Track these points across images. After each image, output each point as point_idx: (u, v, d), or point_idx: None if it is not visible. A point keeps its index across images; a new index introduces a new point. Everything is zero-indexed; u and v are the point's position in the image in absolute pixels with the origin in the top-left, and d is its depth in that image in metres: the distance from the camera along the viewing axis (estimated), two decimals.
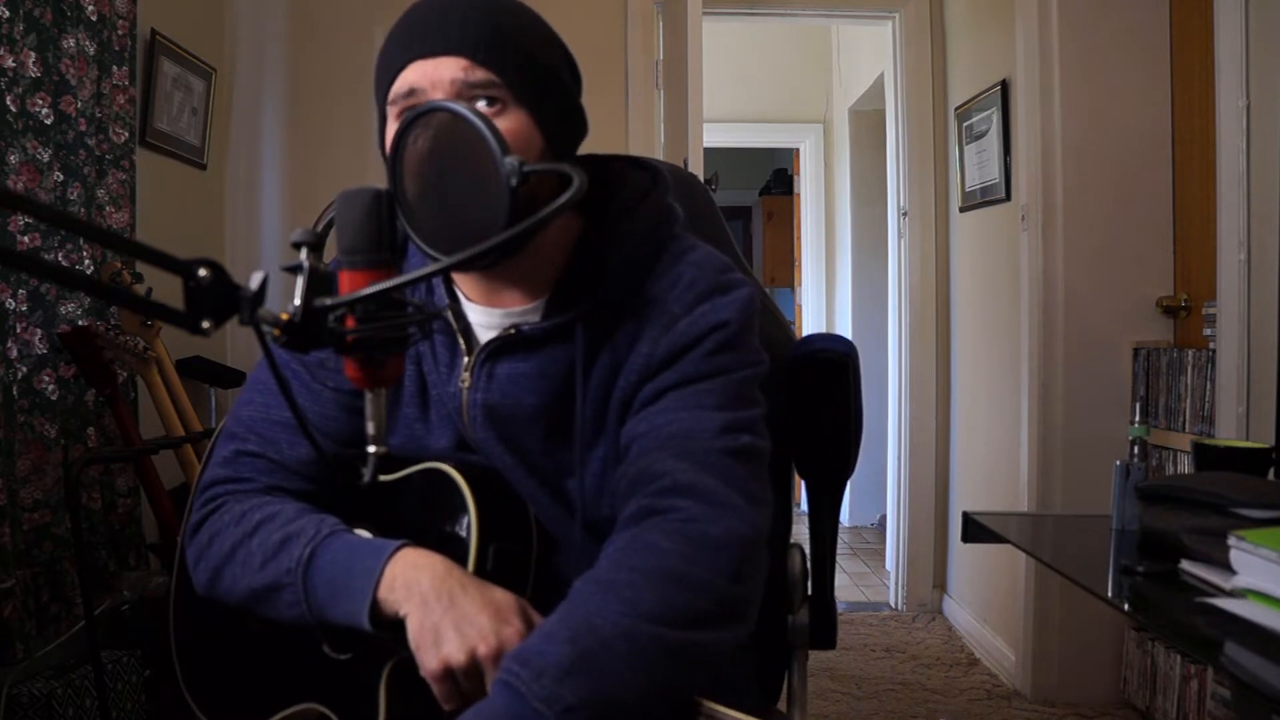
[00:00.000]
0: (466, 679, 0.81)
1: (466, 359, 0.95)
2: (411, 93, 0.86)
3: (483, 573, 0.87)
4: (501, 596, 0.84)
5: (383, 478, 0.96)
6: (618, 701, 0.73)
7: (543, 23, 0.94)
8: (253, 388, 1.01)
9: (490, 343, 0.94)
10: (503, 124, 0.85)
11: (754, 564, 0.84)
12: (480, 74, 0.85)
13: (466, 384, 0.95)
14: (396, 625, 0.83)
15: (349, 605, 0.84)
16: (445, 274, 0.97)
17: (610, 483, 0.93)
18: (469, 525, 0.89)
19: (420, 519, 0.93)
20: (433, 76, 0.85)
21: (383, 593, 0.83)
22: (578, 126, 0.95)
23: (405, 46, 0.87)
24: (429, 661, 0.81)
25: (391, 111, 0.89)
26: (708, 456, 0.86)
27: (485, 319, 0.95)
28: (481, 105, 0.86)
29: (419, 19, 0.88)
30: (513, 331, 0.92)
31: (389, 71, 0.88)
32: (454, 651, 0.80)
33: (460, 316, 0.97)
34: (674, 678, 0.77)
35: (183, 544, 1.01)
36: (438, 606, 0.81)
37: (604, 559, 0.83)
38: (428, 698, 0.83)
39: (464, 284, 0.97)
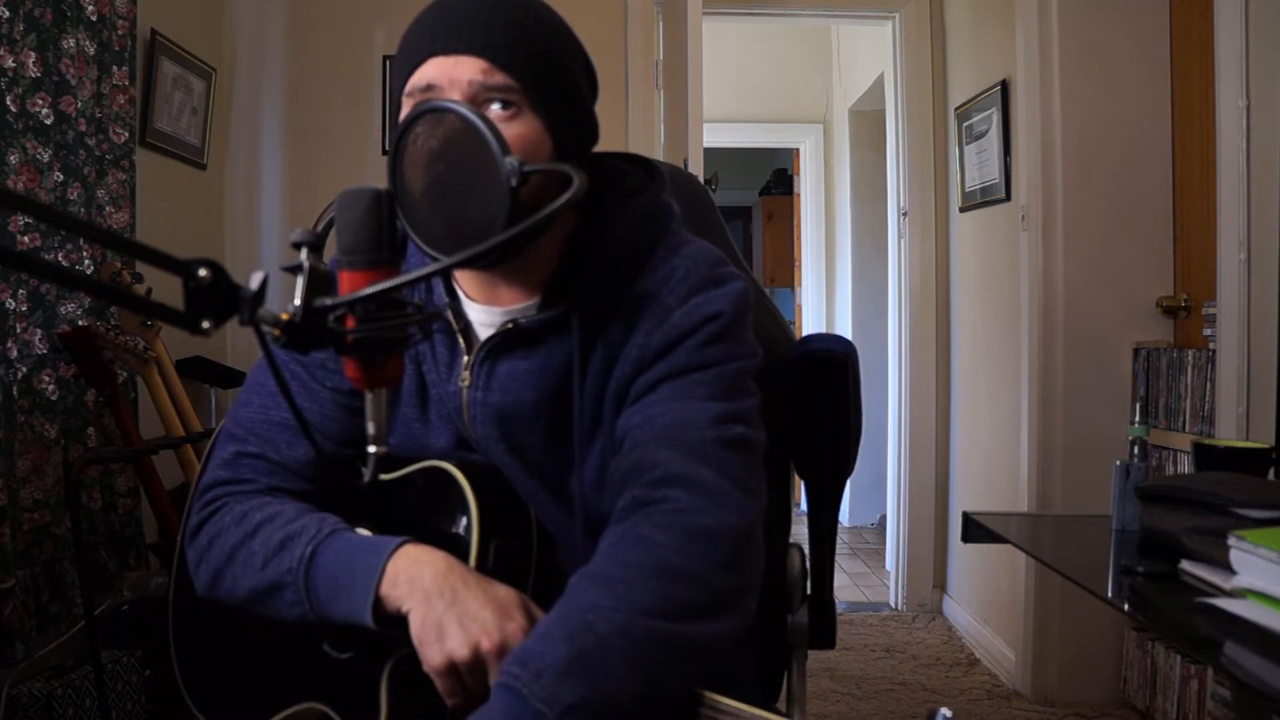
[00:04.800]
0: (470, 674, 0.81)
1: (466, 357, 0.95)
2: (429, 88, 0.86)
3: (484, 570, 0.87)
4: (504, 592, 0.84)
5: (383, 477, 0.96)
6: (617, 698, 0.73)
7: (565, 27, 0.93)
8: (251, 389, 1.01)
9: (489, 340, 0.94)
10: (515, 128, 0.85)
11: (749, 554, 0.84)
12: (499, 77, 0.85)
13: (466, 382, 0.95)
14: (399, 622, 0.83)
15: (351, 603, 0.85)
16: (445, 273, 0.97)
17: (607, 477, 0.93)
18: (470, 523, 0.89)
19: (421, 517, 0.93)
20: (451, 75, 0.85)
21: (385, 589, 0.83)
22: (589, 133, 0.95)
23: (427, 40, 0.87)
24: (432, 657, 0.81)
25: (406, 104, 0.88)
26: (701, 447, 0.86)
27: (485, 317, 0.96)
28: (496, 108, 0.86)
29: (444, 13, 0.88)
30: (510, 326, 0.92)
31: (408, 63, 0.88)
32: (457, 646, 0.80)
33: (460, 315, 0.97)
34: (672, 671, 0.77)
35: (182, 545, 1.01)
36: (440, 602, 0.82)
37: (599, 554, 0.83)
38: (429, 696, 0.83)
39: (463, 282, 0.97)
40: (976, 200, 3.13)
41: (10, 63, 1.76)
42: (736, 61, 4.98)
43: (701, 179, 2.00)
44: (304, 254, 0.66)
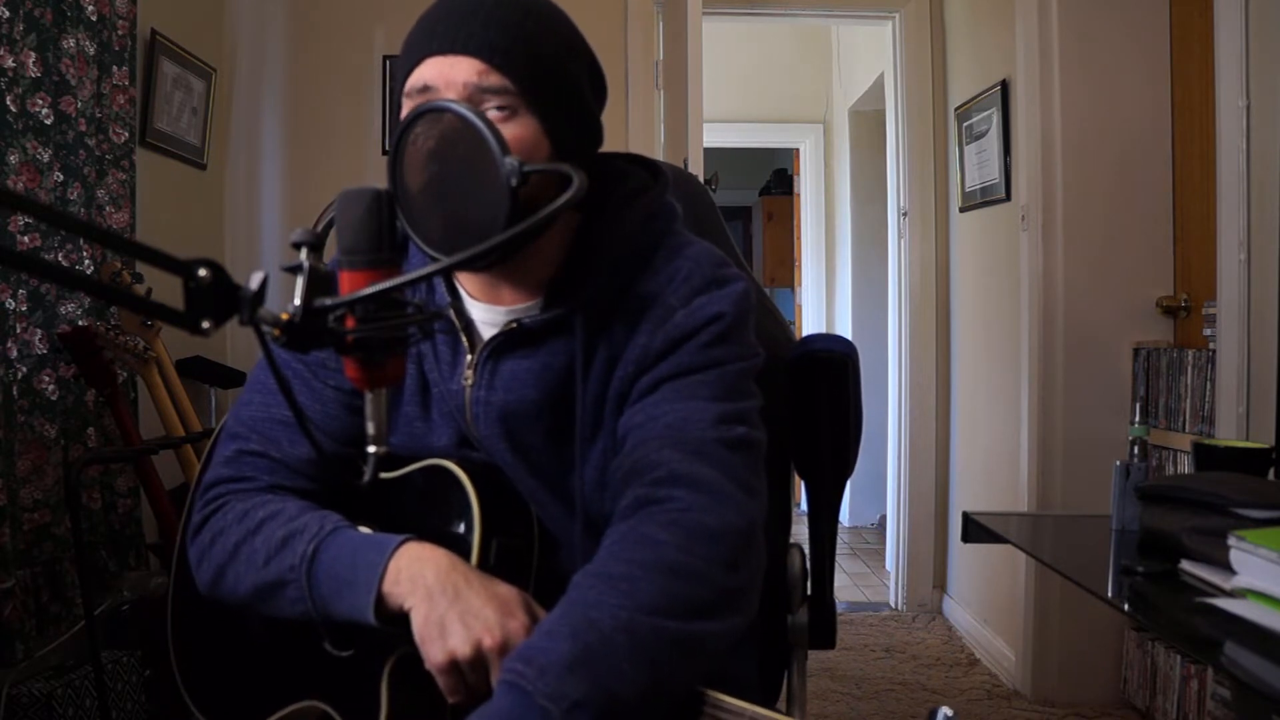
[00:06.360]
0: (472, 671, 0.81)
1: (469, 356, 0.96)
2: (426, 89, 0.86)
3: (485, 568, 0.88)
4: (506, 590, 0.84)
5: (384, 475, 0.96)
6: (622, 694, 0.73)
7: (568, 28, 0.93)
8: (253, 388, 1.01)
9: (493, 339, 0.94)
10: (511, 130, 0.85)
11: (750, 553, 0.85)
12: (495, 79, 0.85)
13: (470, 381, 0.95)
14: (401, 619, 0.83)
15: (354, 600, 0.85)
16: (446, 273, 0.97)
17: (609, 476, 0.93)
18: (472, 521, 0.89)
19: (422, 515, 0.94)
20: (447, 76, 0.85)
21: (387, 587, 0.84)
22: (591, 135, 0.95)
23: (425, 41, 0.87)
24: (434, 654, 0.81)
25: (406, 104, 0.89)
26: (703, 446, 0.86)
27: (487, 316, 0.96)
28: (492, 110, 0.85)
29: (443, 13, 0.88)
30: (514, 325, 0.93)
31: (407, 63, 0.89)
32: (459, 644, 0.80)
33: (462, 314, 0.97)
34: (675, 669, 0.77)
35: (182, 544, 1.01)
36: (442, 599, 0.82)
37: (602, 551, 0.83)
38: (430, 693, 0.83)
39: (465, 281, 0.98)
40: (976, 200, 3.13)
41: (10, 63, 1.76)
42: (736, 61, 4.98)
43: (701, 179, 2.00)
44: (304, 254, 0.66)
